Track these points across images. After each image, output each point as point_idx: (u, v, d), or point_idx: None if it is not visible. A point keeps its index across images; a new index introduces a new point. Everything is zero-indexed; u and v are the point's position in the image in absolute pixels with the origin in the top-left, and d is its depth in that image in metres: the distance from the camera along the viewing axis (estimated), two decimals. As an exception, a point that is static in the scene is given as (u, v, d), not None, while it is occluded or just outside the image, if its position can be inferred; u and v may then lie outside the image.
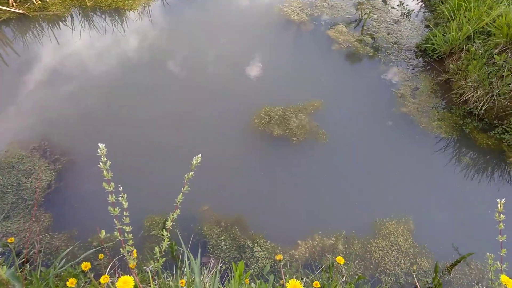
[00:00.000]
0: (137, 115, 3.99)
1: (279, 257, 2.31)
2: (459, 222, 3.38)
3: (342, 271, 2.85)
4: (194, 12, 5.77)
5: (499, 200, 2.20)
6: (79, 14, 5.48)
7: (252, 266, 2.90)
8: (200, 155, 2.15)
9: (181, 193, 2.15)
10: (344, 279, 2.77)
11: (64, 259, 2.73)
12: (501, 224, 2.23)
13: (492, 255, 2.26)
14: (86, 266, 2.14)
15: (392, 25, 5.68)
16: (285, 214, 3.30)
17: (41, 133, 3.69)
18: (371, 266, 3.00)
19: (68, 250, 2.60)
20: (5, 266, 1.88)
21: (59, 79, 4.37)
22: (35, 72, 4.47)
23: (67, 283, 1.96)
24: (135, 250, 2.33)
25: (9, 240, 2.26)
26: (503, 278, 1.94)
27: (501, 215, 2.21)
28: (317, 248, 3.07)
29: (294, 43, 5.27)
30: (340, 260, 2.31)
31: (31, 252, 2.74)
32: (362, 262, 3.03)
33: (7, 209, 3.05)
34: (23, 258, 2.63)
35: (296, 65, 4.88)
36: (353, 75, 4.82)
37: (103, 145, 2.04)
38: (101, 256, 2.33)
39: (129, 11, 5.59)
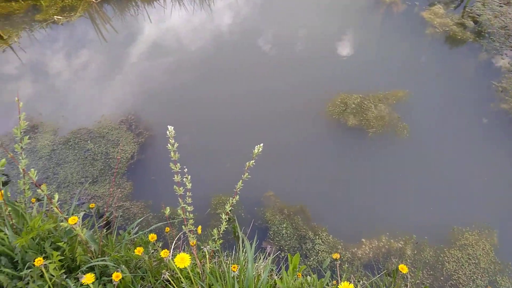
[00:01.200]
0: (218, 94, 4.11)
1: (336, 255, 2.24)
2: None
3: (407, 278, 2.68)
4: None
5: None
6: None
7: (311, 259, 2.87)
8: (262, 144, 2.15)
9: (240, 181, 2.18)
10: (408, 287, 2.61)
11: (138, 226, 2.99)
12: None
13: None
14: (152, 237, 2.31)
15: (501, 6, 4.96)
16: (352, 209, 3.18)
17: (130, 107, 4.00)
18: (442, 278, 2.77)
19: (140, 219, 2.83)
20: (85, 228, 2.10)
21: (149, 58, 4.66)
22: (129, 50, 4.83)
23: (135, 250, 2.13)
24: (200, 227, 2.45)
25: (90, 206, 2.54)
26: None
27: None
28: (382, 249, 2.92)
29: (381, 25, 4.91)
30: (403, 268, 2.16)
31: (111, 216, 3.04)
32: (431, 272, 2.81)
33: (96, 174, 3.41)
34: (104, 221, 2.93)
35: (382, 50, 4.55)
36: (446, 64, 4.36)
37: (172, 127, 2.13)
38: (167, 229, 2.49)
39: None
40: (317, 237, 2.99)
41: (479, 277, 2.76)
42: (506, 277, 2.76)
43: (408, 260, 2.85)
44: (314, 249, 2.93)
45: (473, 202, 3.18)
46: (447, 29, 4.72)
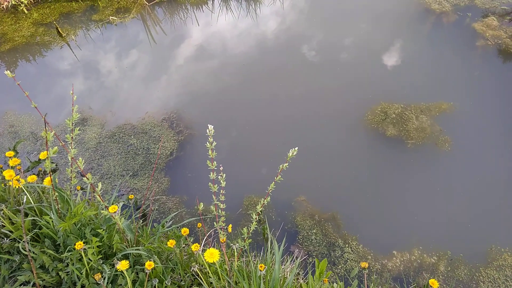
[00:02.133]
0: (258, 97, 4.19)
1: (364, 264, 2.22)
2: None
3: (438, 294, 2.60)
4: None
5: None
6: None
7: (339, 266, 2.86)
8: (296, 148, 2.19)
9: (273, 182, 2.22)
10: (438, 303, 2.53)
11: (172, 220, 3.12)
12: None
13: None
14: (185, 231, 2.41)
15: None
16: (385, 220, 3.13)
17: (172, 106, 4.18)
18: (475, 298, 2.67)
19: (174, 214, 2.95)
20: (123, 218, 2.23)
21: (194, 60, 4.84)
22: (176, 52, 5.03)
23: (168, 243, 2.23)
24: (230, 225, 2.53)
25: (130, 197, 2.69)
26: None
27: None
28: (414, 263, 2.85)
29: (430, 35, 4.79)
30: (434, 283, 2.11)
31: (148, 209, 3.19)
32: (465, 291, 2.71)
33: (137, 168, 3.59)
34: (141, 213, 3.08)
35: (428, 60, 4.44)
36: (496, 78, 4.17)
37: (212, 126, 2.22)
38: (199, 225, 2.59)
39: (264, -4, 5.80)
40: (347, 245, 2.97)
41: (517, 301, 2.63)
42: (547, 305, 2.61)
43: (441, 277, 2.76)
44: (343, 257, 2.91)
45: (516, 222, 3.03)
46: (500, 41, 4.52)
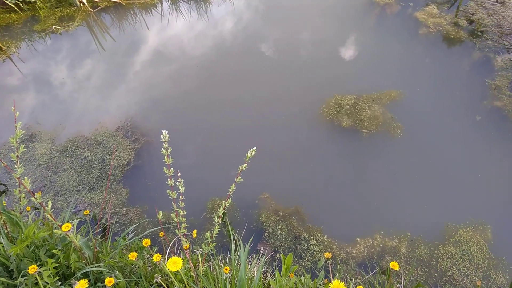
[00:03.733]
0: (214, 100, 4.15)
1: (327, 255, 2.27)
2: (552, 237, 2.95)
3: (401, 275, 2.70)
4: (274, -4, 5.74)
5: None
6: (168, 1, 5.81)
7: (306, 259, 2.90)
8: (254, 148, 2.19)
9: (233, 184, 2.21)
10: (402, 284, 2.62)
11: (134, 232, 3.03)
12: None
13: None
14: (146, 242, 2.35)
15: (495, 5, 4.99)
16: (347, 209, 3.21)
17: (126, 114, 4.05)
18: (436, 274, 2.79)
19: (135, 225, 2.87)
20: (79, 235, 2.14)
21: (145, 65, 4.72)
22: (126, 58, 4.89)
23: (129, 256, 2.16)
24: (195, 231, 2.49)
25: (84, 213, 2.58)
26: None
27: None
28: (377, 248, 2.94)
29: (375, 26, 4.95)
30: (395, 266, 2.19)
31: (107, 223, 3.08)
32: (426, 269, 2.82)
33: (93, 181, 3.46)
34: (100, 228, 2.97)
35: (376, 51, 4.59)
36: (440, 63, 4.38)
37: (166, 132, 2.18)
38: (161, 234, 2.53)
39: (213, -4, 5.76)
40: (312, 237, 3.02)
41: (473, 272, 2.78)
42: (499, 272, 2.78)
43: (403, 258, 2.87)
44: (309, 249, 2.95)
45: (467, 198, 3.20)
46: (441, 29, 4.75)
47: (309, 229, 3.08)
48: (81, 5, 5.64)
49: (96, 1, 5.69)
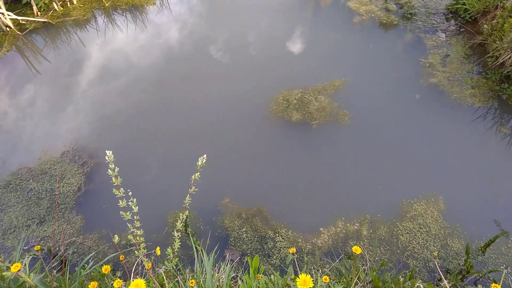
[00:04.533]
0: (161, 108, 4.06)
1: (292, 250, 2.29)
2: (496, 199, 3.16)
3: (365, 257, 2.78)
4: None
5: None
6: (102, 15, 5.61)
7: (274, 257, 2.91)
8: (205, 155, 2.16)
9: (188, 195, 2.17)
10: (368, 265, 2.70)
11: (94, 259, 2.90)
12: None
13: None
14: (106, 269, 2.25)
15: (419, -13, 5.27)
16: (307, 202, 3.26)
17: (70, 138, 3.87)
18: (398, 251, 2.90)
19: (95, 252, 2.74)
20: (32, 274, 2.01)
21: (84, 83, 4.53)
22: (63, 78, 4.66)
23: (89, 286, 2.06)
24: (158, 248, 2.42)
25: (35, 248, 2.43)
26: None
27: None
28: (340, 235, 3.01)
29: (312, 19, 5.07)
30: (357, 250, 2.24)
31: (65, 254, 2.92)
32: (388, 247, 2.93)
33: (43, 214, 3.27)
34: (57, 261, 2.82)
35: (315, 43, 4.70)
36: (376, 48, 4.57)
37: (110, 152, 2.09)
38: (121, 257, 2.44)
39: (148, 6, 5.63)
40: (277, 234, 3.04)
41: (431, 243, 2.92)
42: (455, 239, 2.94)
43: (365, 240, 2.96)
44: (276, 247, 2.97)
45: (417, 174, 3.36)
46: (373, 15, 4.94)
47: (273, 227, 3.09)
48: (7, 29, 5.31)
49: (24, 23, 5.39)
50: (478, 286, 2.30)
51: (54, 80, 4.63)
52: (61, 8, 5.53)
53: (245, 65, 4.51)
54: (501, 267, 2.73)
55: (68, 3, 5.59)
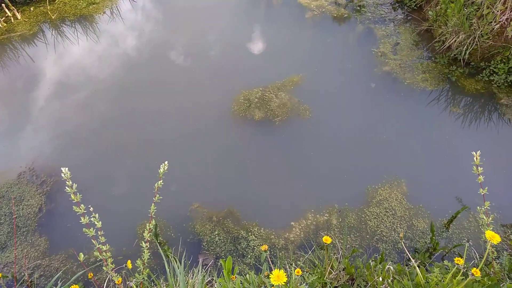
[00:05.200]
0: (123, 118, 3.96)
1: (264, 247, 2.30)
2: (455, 176, 3.31)
3: (337, 245, 2.84)
4: (159, 3, 5.64)
5: (474, 153, 2.13)
6: (50, 28, 5.39)
7: (249, 256, 2.91)
8: (166, 162, 2.13)
9: (153, 204, 2.13)
10: (340, 254, 2.76)
11: (62, 280, 2.79)
12: (481, 177, 2.16)
13: (483, 208, 2.21)
14: (75, 288, 2.17)
15: (365, -20, 5.43)
16: (276, 198, 3.28)
17: (27, 157, 3.70)
18: (367, 236, 2.98)
19: (61, 272, 2.64)
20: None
21: (43, 99, 4.34)
22: (16, 95, 4.45)
23: (58, 309, 1.98)
24: (129, 261, 2.36)
25: (-3, 276, 2.31)
26: (488, 234, 1.88)
27: (479, 167, 2.14)
28: (311, 227, 3.05)
29: (265, 18, 5.12)
30: (327, 240, 2.28)
31: (30, 278, 2.79)
32: (358, 234, 3.01)
33: (3, 239, 3.11)
34: (23, 286, 2.69)
35: (270, 41, 4.74)
36: (330, 42, 4.67)
37: (66, 168, 2.03)
38: (90, 275, 2.36)
39: (97, 15, 5.48)
40: (250, 234, 3.04)
41: (398, 225, 3.02)
42: (420, 219, 3.05)
43: (335, 229, 3.02)
44: (250, 246, 2.97)
45: (379, 159, 3.46)
46: (324, 10, 5.05)
47: (245, 227, 3.09)
48: None
49: (-36, 43, 5.10)
50: (444, 261, 2.40)
51: (4, 99, 4.41)
52: (5, 24, 5.28)
53: (203, 68, 4.48)
54: (464, 241, 2.87)
55: (12, 19, 5.34)
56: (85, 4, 5.57)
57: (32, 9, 5.51)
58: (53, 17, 5.36)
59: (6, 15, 5.33)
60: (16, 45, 5.24)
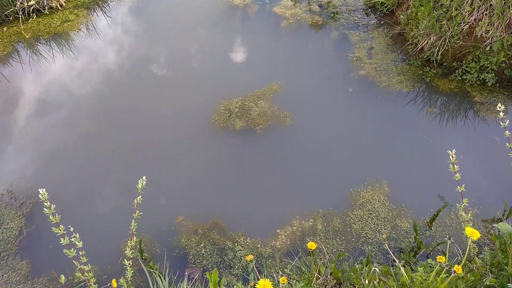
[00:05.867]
0: (95, 134, 3.91)
1: (249, 257, 2.29)
2: (435, 174, 3.37)
3: (323, 250, 2.85)
4: (136, 17, 5.63)
5: (450, 152, 2.18)
6: (24, 48, 5.31)
7: (236, 267, 2.90)
8: (144, 177, 2.12)
9: (133, 220, 2.11)
10: (326, 258, 2.77)
11: (46, 305, 2.72)
12: (457, 175, 2.21)
13: (462, 205, 2.25)
14: (58, 312, 2.12)
15: (338, -13, 5.55)
16: (261, 206, 3.28)
17: (4, 178, 3.61)
18: (353, 239, 3.00)
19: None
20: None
21: (14, 120, 4.26)
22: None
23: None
24: (114, 280, 2.32)
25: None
26: (468, 230, 1.92)
27: (455, 165, 2.19)
28: (297, 233, 3.06)
29: (241, 28, 5.16)
30: (312, 245, 2.29)
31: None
32: (343, 237, 3.02)
33: (-18, 266, 3.02)
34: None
35: (247, 51, 4.78)
36: (306, 49, 4.74)
37: (44, 189, 2.01)
38: (74, 297, 2.31)
39: (72, 32, 5.43)
40: (236, 244, 3.03)
41: (382, 227, 3.05)
42: (403, 219, 3.10)
43: (321, 234, 3.03)
44: (236, 256, 2.95)
45: (360, 162, 3.51)
46: (299, 18, 5.13)
47: (231, 237, 3.08)
48: None
49: None
50: (428, 259, 2.43)
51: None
52: (-23, 45, 5.18)
53: (182, 79, 4.48)
54: (445, 238, 2.92)
55: (-16, 39, 5.24)
56: (59, 22, 5.52)
57: (5, 29, 5.43)
58: (27, 37, 5.29)
59: (-22, 36, 5.23)
60: (-11, 66, 5.14)
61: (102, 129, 4.01)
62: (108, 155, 3.75)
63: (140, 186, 2.08)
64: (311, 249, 2.28)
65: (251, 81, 4.32)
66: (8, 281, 2.93)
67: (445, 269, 1.98)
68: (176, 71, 4.61)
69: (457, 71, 4.16)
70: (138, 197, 2.09)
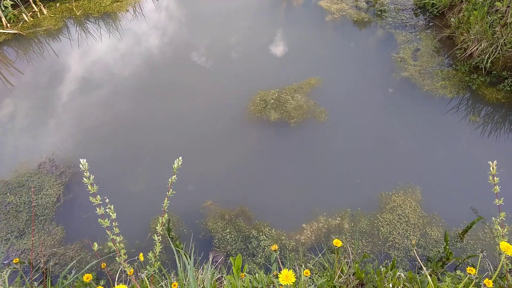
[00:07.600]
0: (143, 117, 4.04)
1: (274, 247, 2.31)
2: (471, 186, 3.25)
3: (348, 250, 2.83)
4: (182, 3, 5.71)
5: (491, 162, 2.10)
6: (74, 24, 5.53)
7: (259, 256, 2.93)
8: (181, 157, 2.17)
9: (166, 198, 2.17)
10: (350, 258, 2.75)
11: (76, 269, 2.86)
12: (496, 187, 2.13)
13: (499, 219, 2.17)
14: (87, 277, 2.23)
15: (388, -15, 5.39)
16: (289, 199, 3.29)
17: (46, 148, 3.80)
18: (379, 242, 2.96)
19: (75, 260, 2.71)
20: (11, 287, 1.97)
21: (58, 93, 4.46)
22: (37, 90, 4.58)
23: (72, 296, 2.04)
24: (141, 254, 2.41)
25: (14, 261, 2.39)
26: (502, 245, 1.85)
27: (496, 177, 2.11)
28: (322, 230, 3.05)
29: (285, 20, 5.13)
30: (338, 243, 2.28)
31: (46, 265, 2.87)
32: (370, 239, 2.99)
33: (22, 226, 3.20)
34: (39, 273, 2.77)
35: (289, 43, 4.75)
36: (349, 45, 4.65)
37: (84, 160, 2.09)
38: (103, 265, 2.41)
39: (120, 13, 5.59)
40: (261, 233, 3.06)
41: (411, 233, 2.99)
42: (434, 227, 3.02)
43: (347, 234, 3.00)
44: (260, 246, 2.99)
45: (394, 166, 3.43)
46: (344, 13, 5.04)
47: (256, 226, 3.11)
48: (-24, 42, 5.19)
49: (-7, 36, 5.27)
50: (457, 271, 2.36)
51: (28, 93, 4.54)
52: (31, 19, 5.44)
53: (222, 68, 4.52)
54: (477, 252, 2.82)
55: (39, 14, 5.50)
56: (109, 2, 5.70)
57: (58, 5, 5.66)
58: (77, 14, 5.50)
59: (33, 10, 5.49)
60: (41, 39, 5.38)
61: (140, 111, 4.13)
62: (144, 137, 3.86)
63: (175, 165, 2.13)
64: (336, 246, 2.27)
65: (290, 74, 4.30)
66: (43, 244, 3.10)
67: (474, 281, 1.92)
68: (216, 59, 4.65)
69: (506, 80, 3.96)
70: (173, 176, 2.15)
